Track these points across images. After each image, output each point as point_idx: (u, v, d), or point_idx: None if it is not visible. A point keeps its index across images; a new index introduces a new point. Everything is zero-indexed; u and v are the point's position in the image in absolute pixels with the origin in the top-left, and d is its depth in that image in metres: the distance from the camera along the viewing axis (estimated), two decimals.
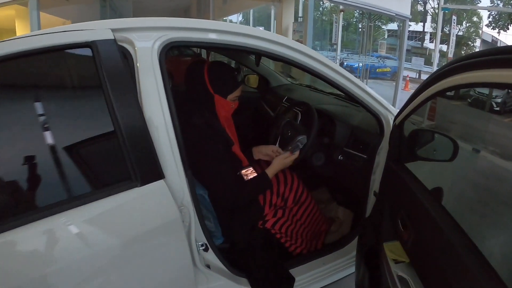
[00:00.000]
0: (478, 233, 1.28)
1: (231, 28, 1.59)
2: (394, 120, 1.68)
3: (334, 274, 2.13)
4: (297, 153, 1.96)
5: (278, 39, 1.67)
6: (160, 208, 1.40)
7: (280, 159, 1.95)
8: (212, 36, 1.56)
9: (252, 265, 1.87)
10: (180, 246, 1.47)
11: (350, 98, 1.93)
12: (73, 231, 1.25)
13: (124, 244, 1.33)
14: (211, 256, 1.67)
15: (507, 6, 25.12)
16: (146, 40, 1.44)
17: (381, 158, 1.94)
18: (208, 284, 1.66)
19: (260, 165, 2.13)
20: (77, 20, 1.46)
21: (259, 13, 17.75)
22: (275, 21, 12.69)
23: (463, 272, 1.02)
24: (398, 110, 1.68)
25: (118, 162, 1.36)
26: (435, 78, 1.28)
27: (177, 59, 8.67)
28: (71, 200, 1.26)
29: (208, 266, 1.68)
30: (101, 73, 1.30)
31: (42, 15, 6.55)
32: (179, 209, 1.43)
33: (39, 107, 1.34)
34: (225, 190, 1.79)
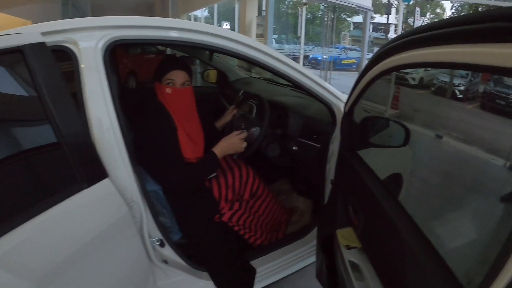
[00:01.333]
0: (434, 215, 1.32)
1: (174, 24, 1.58)
2: (344, 108, 1.69)
3: (297, 263, 2.15)
4: (244, 133, 1.96)
5: (222, 33, 1.67)
6: (109, 207, 1.38)
7: (227, 137, 1.95)
8: (156, 33, 1.55)
9: (211, 258, 1.87)
10: (133, 243, 1.46)
11: (300, 89, 1.94)
12: (26, 244, 1.17)
13: (79, 247, 1.28)
14: (168, 251, 1.66)
15: None
16: (89, 40, 1.42)
17: (335, 147, 1.96)
18: (168, 279, 1.66)
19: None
20: (39, 20, 1.43)
21: (223, 8, 17.73)
22: (239, 16, 12.69)
23: (408, 256, 1.04)
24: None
25: (63, 167, 1.33)
26: (374, 60, 1.30)
27: (141, 57, 8.57)
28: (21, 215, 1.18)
29: (166, 262, 1.67)
30: (34, 78, 1.26)
31: (1, 16, 6.34)
32: (128, 205, 1.42)
33: None
34: (171, 172, 1.79)
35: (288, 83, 2.22)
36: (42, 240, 1.20)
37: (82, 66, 1.39)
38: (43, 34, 1.33)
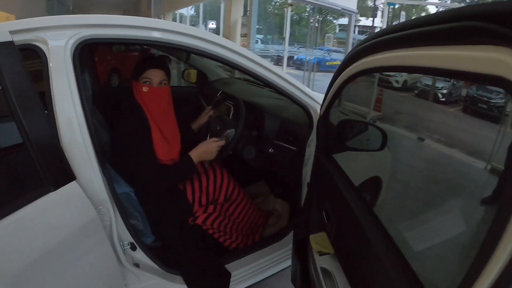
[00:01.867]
0: (410, 219, 1.31)
1: (146, 23, 1.54)
2: (320, 111, 1.67)
3: (273, 266, 2.13)
4: (222, 141, 1.93)
5: (196, 33, 1.63)
6: (76, 210, 1.35)
7: (205, 143, 1.92)
8: (128, 33, 1.52)
9: (185, 262, 1.84)
10: (101, 247, 1.43)
11: (276, 91, 1.91)
12: None
13: (44, 252, 1.24)
14: (139, 254, 1.64)
15: (454, 1, 26.16)
16: (59, 39, 1.38)
17: (311, 150, 1.95)
18: (140, 283, 1.64)
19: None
20: (22, 14, 1.39)
21: (209, 7, 17.66)
22: (224, 15, 12.68)
23: (376, 263, 1.02)
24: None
25: (28, 169, 1.31)
26: (346, 62, 1.27)
27: (125, 54, 8.46)
28: None
29: (137, 265, 1.65)
30: (0, 78, 1.23)
31: None
32: (96, 209, 1.39)
33: None
34: (143, 173, 1.76)
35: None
36: (4, 244, 1.16)
37: (51, 65, 1.36)
38: (13, 32, 1.29)
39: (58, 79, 1.36)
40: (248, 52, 1.78)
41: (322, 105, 1.62)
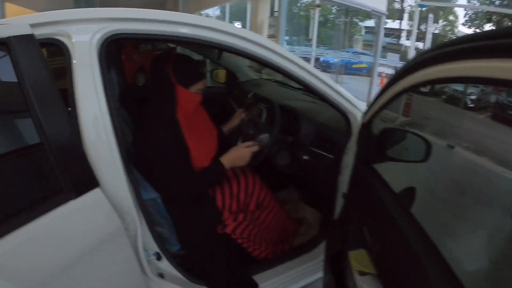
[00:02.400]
0: (449, 234, 1.20)
1: (181, 18, 1.44)
2: (363, 118, 1.57)
3: (302, 279, 2.03)
4: (255, 147, 1.84)
5: (234, 30, 1.52)
6: (99, 219, 1.26)
7: (237, 148, 1.82)
8: (161, 28, 1.41)
9: (211, 272, 1.77)
10: (126, 258, 1.34)
11: (315, 94, 1.80)
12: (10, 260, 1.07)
13: (65, 265, 1.17)
14: (165, 264, 1.55)
15: (483, 4, 25.62)
16: (84, 33, 1.28)
17: (349, 158, 1.83)
18: None
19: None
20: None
21: (235, 8, 17.70)
22: (251, 16, 12.68)
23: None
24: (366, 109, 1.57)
25: (47, 175, 1.21)
26: (403, 73, 1.16)
27: (151, 53, 8.48)
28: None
29: (161, 276, 1.56)
30: (18, 74, 1.13)
31: (10, 7, 6.33)
32: (121, 217, 1.30)
33: None
34: (172, 180, 1.66)
35: (299, 86, 2.09)
36: (21, 257, 1.08)
37: (75, 62, 1.26)
38: (33, 25, 1.20)
39: (82, 77, 1.27)
40: (288, 52, 1.67)
41: (366, 113, 1.52)
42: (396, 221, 1.13)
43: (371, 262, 1.32)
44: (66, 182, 1.17)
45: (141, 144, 1.66)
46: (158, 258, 1.51)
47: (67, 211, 1.16)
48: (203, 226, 1.82)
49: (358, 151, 1.64)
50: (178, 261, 1.61)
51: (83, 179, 1.22)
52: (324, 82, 1.74)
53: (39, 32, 1.22)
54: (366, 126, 1.53)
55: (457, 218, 1.33)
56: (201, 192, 1.78)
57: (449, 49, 0.91)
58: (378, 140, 1.50)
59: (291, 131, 2.15)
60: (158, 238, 1.52)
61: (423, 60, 1.03)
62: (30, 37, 1.18)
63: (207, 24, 1.48)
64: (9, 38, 1.13)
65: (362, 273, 1.32)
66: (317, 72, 1.73)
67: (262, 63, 1.64)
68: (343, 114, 1.82)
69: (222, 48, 1.57)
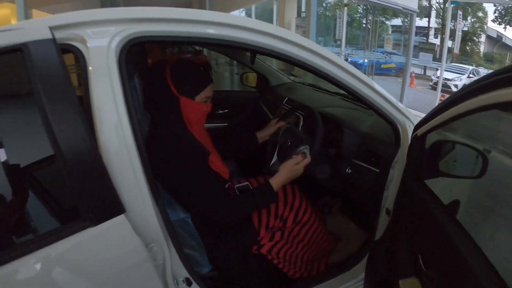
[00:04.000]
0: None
1: (212, 18, 1.28)
2: (415, 131, 1.41)
3: None
4: (308, 158, 1.68)
5: (271, 30, 1.36)
6: (122, 250, 1.13)
7: (289, 165, 1.66)
8: (188, 29, 1.25)
9: None
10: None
11: (360, 101, 1.63)
12: None
13: None
14: None
15: None
16: (101, 37, 1.15)
17: (395, 172, 1.66)
18: None
19: (256, 180, 1.88)
20: None
21: (261, 9, 17.66)
22: (277, 17, 12.63)
23: None
24: (420, 119, 1.40)
25: (62, 198, 1.10)
26: (477, 89, 0.97)
27: (175, 56, 8.47)
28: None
29: None
30: (34, 83, 1.02)
31: (37, 14, 6.41)
32: (147, 247, 1.17)
33: None
34: (212, 209, 1.51)
35: (337, 90, 1.92)
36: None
37: (91, 69, 1.12)
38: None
39: (99, 86, 1.12)
40: (332, 54, 1.50)
41: (420, 124, 1.35)
42: (456, 247, 1.01)
43: None
44: (84, 207, 1.06)
45: (164, 165, 1.48)
46: (189, 284, 1.37)
47: (83, 240, 1.05)
48: (238, 246, 1.69)
49: (408, 165, 1.49)
50: (208, 284, 1.48)
51: (106, 205, 1.10)
52: (371, 87, 1.57)
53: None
54: (420, 139, 1.38)
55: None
56: (245, 216, 1.65)
57: None
58: (430, 153, 1.36)
59: (333, 142, 2.00)
60: (188, 262, 1.38)
61: (499, 80, 0.87)
62: (49, 41, 1.06)
63: (242, 23, 1.32)
64: (25, 43, 1.03)
65: None
66: (363, 76, 1.56)
67: (302, 67, 1.47)
68: (391, 124, 1.65)
69: (256, 50, 1.40)
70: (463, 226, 1.09)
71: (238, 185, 1.78)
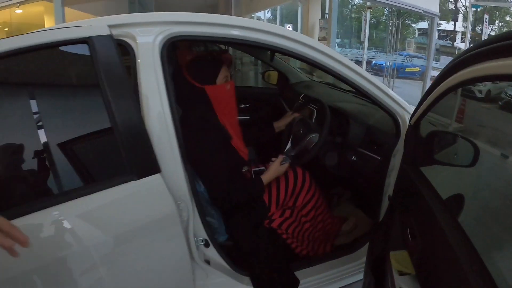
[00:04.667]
0: (498, 249, 1.19)
1: (237, 22, 1.55)
2: (410, 120, 1.59)
3: (342, 279, 2.07)
4: (286, 165, 1.93)
5: (288, 34, 1.62)
6: (156, 202, 1.39)
7: (274, 166, 1.91)
8: (218, 31, 1.52)
9: (255, 264, 1.83)
10: (177, 241, 1.47)
11: (364, 96, 1.84)
12: (67, 225, 1.25)
13: (120, 237, 1.33)
14: (212, 252, 1.66)
15: None
16: (147, 35, 1.43)
17: (396, 161, 1.85)
18: (208, 280, 1.68)
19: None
20: (105, 16, 1.47)
21: (286, 10, 17.73)
22: (302, 18, 12.69)
23: None
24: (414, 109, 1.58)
25: (115, 157, 1.37)
26: (449, 70, 1.16)
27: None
28: (67, 193, 1.28)
29: (208, 262, 1.68)
30: (97, 69, 1.30)
31: (69, 11, 6.70)
32: (176, 203, 1.42)
33: (38, 102, 1.36)
34: (216, 188, 1.77)
35: (350, 89, 2.12)
36: (86, 218, 1.28)
37: (139, 61, 1.40)
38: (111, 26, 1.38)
39: (146, 75, 1.41)
40: (338, 54, 1.73)
41: (413, 114, 1.53)
42: (440, 225, 1.14)
43: (411, 263, 1.34)
44: (130, 165, 1.33)
45: (191, 146, 1.71)
46: (206, 245, 1.61)
47: (129, 189, 1.33)
48: (251, 219, 1.90)
49: (405, 153, 1.65)
50: (224, 251, 1.71)
51: (147, 165, 1.36)
52: (374, 84, 1.78)
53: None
54: (413, 127, 1.54)
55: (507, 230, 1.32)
56: (241, 201, 1.86)
57: (498, 45, 0.89)
58: (426, 142, 1.50)
59: (341, 132, 2.20)
60: (208, 226, 1.62)
61: (468, 57, 1.03)
62: (108, 37, 1.35)
63: (260, 27, 1.58)
64: (90, 37, 1.32)
65: (402, 273, 1.34)
66: (368, 75, 1.78)
67: (315, 66, 1.71)
68: (392, 116, 1.85)
69: (276, 50, 1.66)
70: (447, 206, 1.25)
71: (255, 169, 2.01)
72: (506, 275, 0.98)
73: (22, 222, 1.15)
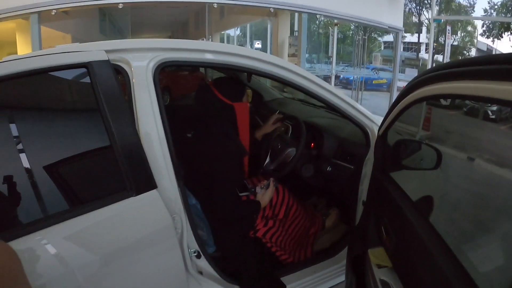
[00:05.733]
0: (465, 240, 1.33)
1: (220, 48, 1.70)
2: (378, 131, 1.75)
3: (325, 282, 2.18)
4: (273, 188, 2.09)
5: (265, 57, 1.78)
6: (154, 216, 1.49)
7: (263, 195, 2.08)
8: (203, 56, 1.67)
9: (243, 273, 1.93)
10: (172, 252, 1.55)
11: (335, 111, 2.01)
12: (70, 241, 1.34)
13: (120, 250, 1.42)
14: (203, 263, 1.75)
15: (500, 15, 25.36)
16: (141, 60, 1.54)
17: (368, 169, 2.00)
18: None
19: (249, 179, 2.24)
20: (77, 34, 1.59)
21: (256, 28, 17.90)
22: (271, 35, 12.81)
23: (438, 277, 1.07)
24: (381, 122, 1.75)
25: (114, 175, 1.46)
26: (411, 87, 1.35)
27: (175, 74, 8.79)
28: (71, 211, 1.36)
29: (200, 273, 1.76)
30: (97, 92, 1.41)
31: (43, 29, 6.68)
32: (171, 216, 1.51)
33: (40, 122, 1.48)
34: (220, 202, 1.87)
35: (321, 104, 2.28)
36: (86, 235, 1.36)
37: (134, 81, 1.52)
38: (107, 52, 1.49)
39: (140, 96, 1.52)
40: (310, 74, 1.90)
41: (381, 126, 1.69)
42: (409, 221, 1.29)
43: (387, 257, 1.49)
44: (129, 181, 1.42)
45: (208, 158, 1.88)
46: (198, 256, 1.71)
47: (128, 205, 1.42)
48: (238, 230, 2.03)
49: (375, 161, 1.81)
50: (214, 261, 1.80)
51: (144, 181, 1.46)
52: (343, 100, 1.96)
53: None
54: (382, 137, 1.70)
55: (471, 224, 1.43)
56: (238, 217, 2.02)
57: (452, 70, 1.10)
58: (394, 150, 1.65)
59: (315, 145, 2.35)
60: (199, 237, 1.72)
61: (430, 77, 1.22)
62: (106, 62, 1.46)
63: (239, 52, 1.74)
64: (89, 62, 1.43)
65: (380, 266, 1.49)
66: (337, 91, 1.95)
67: (292, 86, 1.88)
68: (361, 128, 2.03)
69: (256, 73, 1.83)
70: (414, 203, 1.41)
71: (242, 194, 2.15)
72: (472, 258, 1.12)
73: (36, 237, 1.26)
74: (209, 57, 1.68)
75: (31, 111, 1.50)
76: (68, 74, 1.50)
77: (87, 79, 1.43)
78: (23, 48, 7.12)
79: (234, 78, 2.09)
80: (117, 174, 1.42)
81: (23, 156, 1.37)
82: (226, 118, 1.95)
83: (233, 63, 1.73)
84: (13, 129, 1.40)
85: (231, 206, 1.90)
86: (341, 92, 1.97)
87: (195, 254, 1.69)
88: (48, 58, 1.42)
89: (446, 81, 1.10)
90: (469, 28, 28.09)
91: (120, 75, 1.52)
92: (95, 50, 1.47)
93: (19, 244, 1.21)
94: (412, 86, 1.33)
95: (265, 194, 2.06)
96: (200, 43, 1.67)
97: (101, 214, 1.37)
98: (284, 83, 1.87)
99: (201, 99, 1.97)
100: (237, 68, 1.77)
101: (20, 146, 1.39)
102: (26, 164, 1.35)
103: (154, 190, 1.47)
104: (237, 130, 1.98)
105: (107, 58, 1.47)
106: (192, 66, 2.35)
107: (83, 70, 1.44)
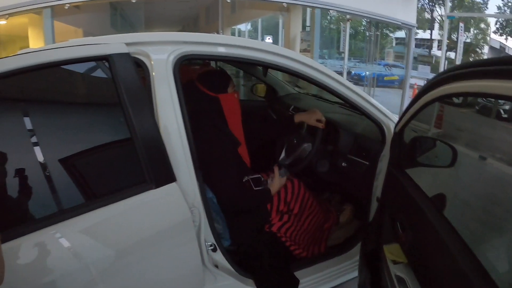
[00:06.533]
0: (479, 237, 1.32)
1: (240, 42, 1.71)
2: (395, 128, 1.76)
3: (338, 277, 2.19)
4: (285, 178, 2.09)
5: (283, 52, 1.78)
6: (173, 209, 1.51)
7: (278, 179, 2.08)
8: (222, 50, 1.68)
9: (258, 266, 1.95)
10: (190, 245, 1.57)
11: (352, 107, 2.01)
12: (92, 233, 1.37)
13: (139, 243, 1.44)
14: (219, 256, 1.76)
15: None
16: (161, 53, 1.55)
17: (383, 165, 2.01)
18: (216, 283, 1.75)
19: (265, 172, 2.23)
20: (88, 28, 1.60)
21: (267, 22, 17.86)
22: (283, 30, 12.78)
23: (456, 273, 1.08)
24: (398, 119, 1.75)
25: (135, 167, 1.47)
26: (431, 85, 1.35)
27: (187, 68, 8.81)
28: (92, 203, 1.38)
29: (216, 266, 1.77)
30: (117, 85, 1.42)
31: (57, 24, 6.75)
32: (190, 210, 1.53)
33: (62, 115, 1.49)
34: (227, 194, 1.89)
35: (336, 100, 2.28)
36: (107, 227, 1.38)
37: (153, 74, 1.53)
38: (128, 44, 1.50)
39: (160, 89, 1.54)
40: (328, 69, 1.89)
41: (398, 123, 1.70)
42: (426, 217, 1.29)
43: (403, 253, 1.49)
44: (149, 174, 1.44)
45: (204, 153, 1.86)
46: (214, 249, 1.72)
47: (148, 197, 1.45)
48: (253, 224, 2.04)
49: (391, 157, 1.81)
50: (229, 254, 1.82)
51: (164, 174, 1.48)
52: (361, 96, 1.95)
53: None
54: (398, 134, 1.71)
55: (488, 222, 1.43)
56: (248, 208, 2.03)
57: (476, 69, 1.10)
58: (409, 147, 1.66)
59: (331, 141, 2.36)
60: (215, 230, 1.74)
61: (450, 75, 1.22)
62: (126, 55, 1.47)
63: (261, 47, 1.75)
64: (110, 55, 1.44)
65: (395, 262, 1.50)
66: (354, 87, 1.95)
67: (310, 81, 1.88)
68: (378, 125, 2.03)
69: (274, 67, 1.84)
70: (431, 200, 1.41)
71: (251, 177, 2.13)
72: (490, 257, 1.12)
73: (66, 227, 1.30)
74: (231, 51, 1.69)
75: (49, 103, 1.52)
76: (82, 68, 1.51)
77: (106, 72, 1.46)
78: (35, 42, 7.20)
79: (218, 70, 2.09)
80: (137, 167, 1.44)
81: (38, 150, 1.38)
82: (213, 111, 1.96)
83: (252, 57, 1.74)
84: (30, 121, 1.41)
85: (237, 195, 1.91)
86: (358, 88, 1.97)
87: (212, 247, 1.70)
88: (68, 50, 1.43)
89: (469, 80, 1.10)
90: (482, 25, 27.72)
91: (139, 68, 1.52)
92: (115, 43, 1.49)
93: (39, 237, 1.25)
94: (433, 84, 1.33)
95: (273, 181, 2.07)
96: (221, 37, 1.68)
97: (121, 206, 1.39)
98: (304, 78, 1.87)
99: (187, 95, 1.96)
100: (257, 63, 1.78)
101: (34, 139, 1.39)
102: (46, 157, 1.36)
103: (174, 183, 1.49)
104: (225, 121, 1.99)
105: (127, 51, 1.48)
106: (213, 60, 2.36)
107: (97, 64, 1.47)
